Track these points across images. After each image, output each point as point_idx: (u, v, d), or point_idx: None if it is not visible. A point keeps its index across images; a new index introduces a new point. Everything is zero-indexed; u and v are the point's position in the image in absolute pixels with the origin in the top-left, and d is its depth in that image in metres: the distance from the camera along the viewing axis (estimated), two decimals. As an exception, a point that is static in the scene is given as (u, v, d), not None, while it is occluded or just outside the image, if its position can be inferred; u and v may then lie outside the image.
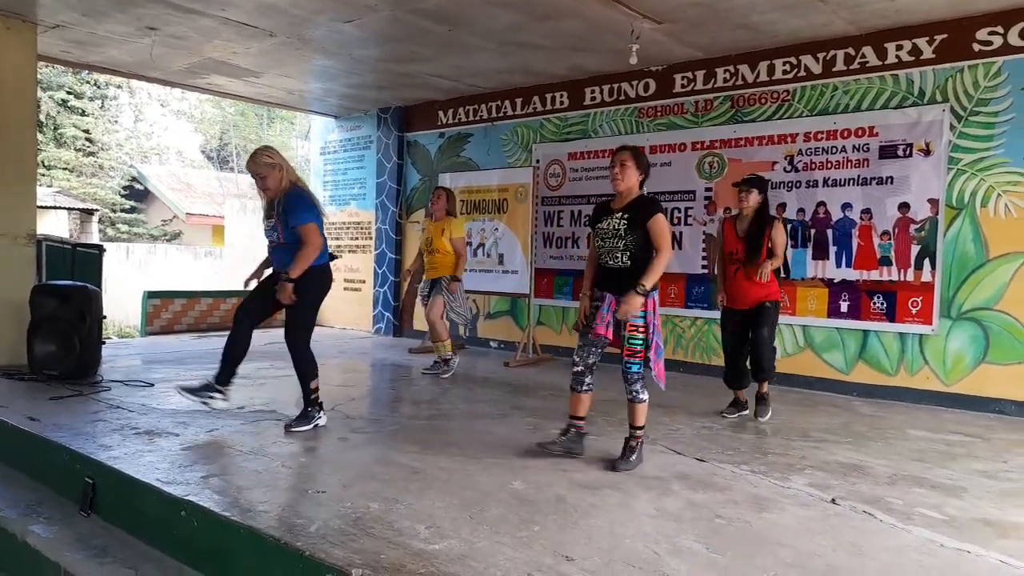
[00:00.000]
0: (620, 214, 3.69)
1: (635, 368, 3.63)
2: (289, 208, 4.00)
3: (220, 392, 4.21)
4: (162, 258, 14.80)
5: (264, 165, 4.01)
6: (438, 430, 4.41)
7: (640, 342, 3.62)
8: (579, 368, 3.77)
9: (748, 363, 4.89)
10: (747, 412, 4.98)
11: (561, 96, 7.66)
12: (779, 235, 4.73)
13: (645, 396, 3.68)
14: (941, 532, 2.93)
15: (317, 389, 4.15)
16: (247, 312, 4.20)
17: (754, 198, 4.75)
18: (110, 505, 3.32)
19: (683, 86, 6.79)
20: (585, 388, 3.79)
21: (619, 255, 3.65)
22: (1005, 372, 5.22)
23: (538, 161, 7.80)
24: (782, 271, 4.88)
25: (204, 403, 4.21)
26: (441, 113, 8.80)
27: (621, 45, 5.91)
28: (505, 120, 8.17)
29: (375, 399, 5.56)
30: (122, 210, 20.10)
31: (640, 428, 3.70)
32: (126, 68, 7.76)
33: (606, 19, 5.57)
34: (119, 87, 21.96)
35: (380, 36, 6.36)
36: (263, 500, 2.99)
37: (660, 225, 3.61)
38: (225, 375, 4.21)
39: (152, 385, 5.37)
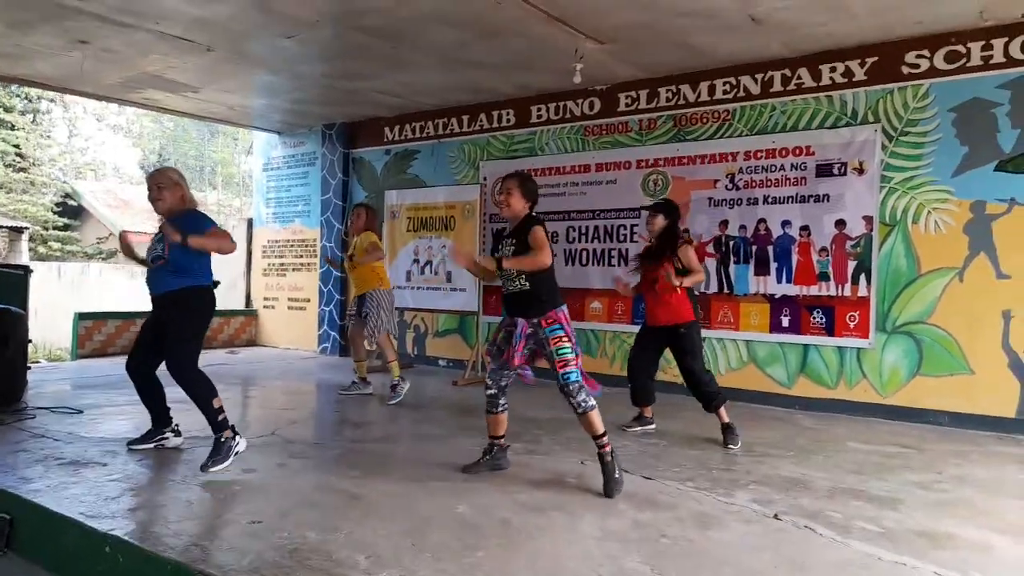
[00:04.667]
0: (509, 240, 3.74)
1: (573, 377, 3.57)
2: (193, 221, 3.83)
3: (164, 434, 4.16)
4: (96, 277, 14.24)
5: (167, 179, 3.91)
6: (382, 453, 4.31)
7: (568, 350, 3.60)
8: (492, 391, 3.82)
9: (692, 393, 4.77)
10: (652, 427, 4.98)
11: (507, 114, 7.68)
12: (687, 254, 4.64)
13: (592, 402, 3.59)
14: (878, 545, 2.98)
15: (222, 408, 3.83)
16: (136, 368, 4.01)
17: (659, 222, 4.73)
18: (29, 541, 3.14)
19: (627, 105, 6.88)
20: (500, 409, 3.86)
21: (516, 279, 3.66)
22: (938, 384, 5.38)
23: (485, 178, 7.78)
24: (698, 288, 4.78)
25: (160, 446, 4.13)
26: (387, 129, 8.72)
27: (566, 64, 5.96)
28: (452, 137, 8.14)
29: (317, 422, 5.42)
30: (55, 227, 19.30)
31: (602, 435, 3.58)
32: (55, 82, 7.48)
33: (551, 38, 5.60)
34: (52, 101, 21.17)
35: (323, 52, 6.28)
36: (193, 533, 2.86)
37: (536, 234, 3.63)
38: (158, 418, 4.15)
39: (81, 412, 5.12)
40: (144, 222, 19.11)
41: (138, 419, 4.96)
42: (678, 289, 4.56)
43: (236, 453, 3.82)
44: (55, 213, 19.48)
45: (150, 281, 3.93)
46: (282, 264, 9.83)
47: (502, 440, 3.95)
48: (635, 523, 3.17)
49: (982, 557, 2.90)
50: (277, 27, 5.60)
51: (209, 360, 4.07)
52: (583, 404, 3.57)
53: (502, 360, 3.76)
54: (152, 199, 3.92)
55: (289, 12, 5.30)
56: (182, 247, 3.69)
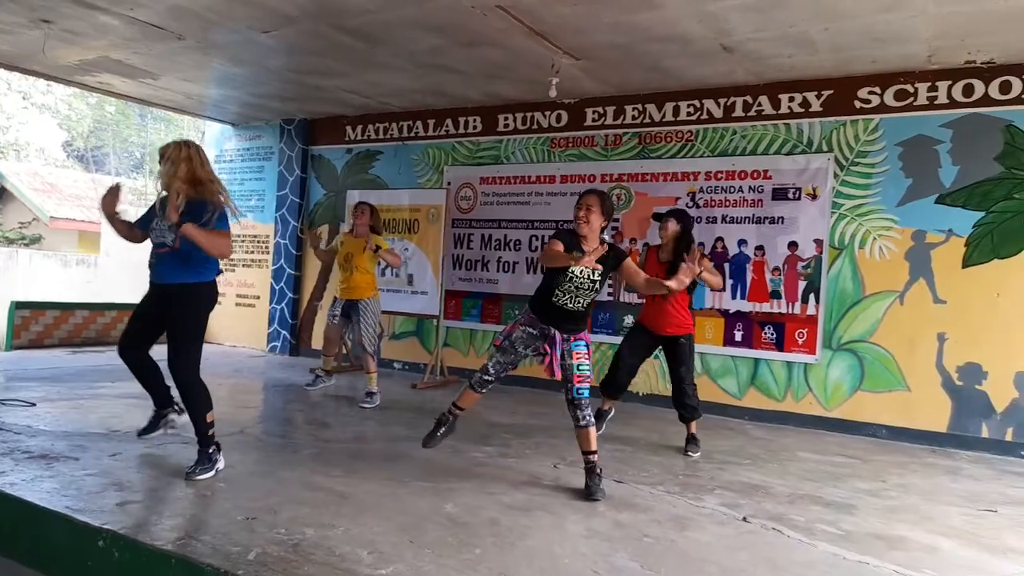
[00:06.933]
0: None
1: (586, 394, 3.78)
2: (199, 212, 3.51)
3: (166, 414, 4.11)
4: (26, 264, 13.53)
5: (169, 154, 3.57)
6: (358, 453, 4.33)
7: (588, 368, 3.81)
8: (488, 377, 3.92)
9: (675, 403, 4.91)
10: (611, 415, 5.13)
11: (474, 121, 7.77)
12: (706, 264, 4.73)
13: (592, 419, 3.81)
14: (841, 546, 3.21)
15: (213, 423, 3.63)
16: (128, 348, 3.78)
17: (671, 226, 4.85)
18: (4, 537, 3.04)
19: (594, 120, 7.08)
20: (484, 391, 3.98)
21: (582, 300, 3.80)
22: (878, 399, 5.76)
23: (449, 183, 7.85)
24: (694, 302, 5.03)
25: (168, 431, 4.11)
26: (349, 128, 8.68)
27: (538, 75, 6.11)
28: (416, 140, 8.18)
29: (285, 421, 5.38)
30: (-27, 209, 18.28)
31: (595, 452, 3.79)
32: (4, 59, 7.16)
33: (527, 51, 5.74)
34: (-26, 75, 20.02)
35: (296, 48, 6.23)
36: (190, 528, 2.85)
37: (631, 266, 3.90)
38: (159, 399, 4.06)
39: (34, 405, 4.94)
40: (72, 208, 18.29)
41: (98, 412, 4.85)
42: (698, 276, 4.42)
43: (218, 469, 3.61)
44: (-26, 194, 18.42)
45: (155, 268, 3.66)
46: (231, 259, 9.62)
47: (462, 412, 4.08)
48: (616, 523, 3.31)
49: (933, 557, 3.16)
50: (255, 20, 5.54)
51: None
52: (586, 418, 3.76)
53: (513, 358, 3.90)
54: (161, 176, 3.63)
55: (270, 5, 5.25)
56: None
